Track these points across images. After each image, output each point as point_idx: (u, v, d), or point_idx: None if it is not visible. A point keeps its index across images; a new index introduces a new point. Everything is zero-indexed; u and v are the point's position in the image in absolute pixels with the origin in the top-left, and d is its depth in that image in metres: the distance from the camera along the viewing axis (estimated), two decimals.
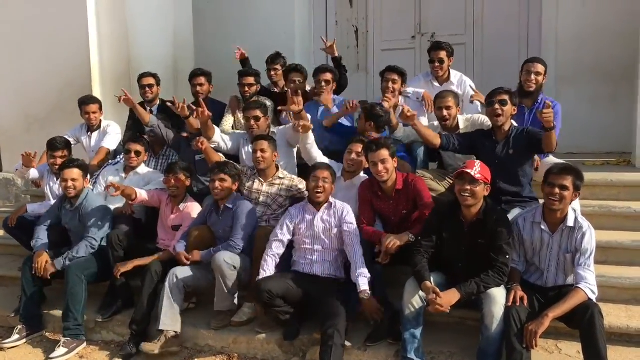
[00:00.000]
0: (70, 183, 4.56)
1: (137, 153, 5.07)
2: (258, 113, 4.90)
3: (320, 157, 4.62)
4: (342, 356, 3.63)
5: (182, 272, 4.17)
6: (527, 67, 4.75)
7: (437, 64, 5.35)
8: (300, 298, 3.96)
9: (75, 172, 4.59)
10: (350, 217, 4.08)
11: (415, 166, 4.75)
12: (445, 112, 4.61)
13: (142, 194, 4.66)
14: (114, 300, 4.53)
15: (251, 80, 5.70)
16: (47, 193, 5.33)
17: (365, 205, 4.24)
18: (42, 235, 4.64)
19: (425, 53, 7.32)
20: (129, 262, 4.38)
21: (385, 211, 4.21)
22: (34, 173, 5.34)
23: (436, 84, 5.42)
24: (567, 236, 3.48)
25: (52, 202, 5.03)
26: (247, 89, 5.69)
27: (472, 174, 3.46)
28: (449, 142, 4.33)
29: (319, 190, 4.05)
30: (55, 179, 5.23)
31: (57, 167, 5.04)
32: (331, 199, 4.15)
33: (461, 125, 4.71)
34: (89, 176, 4.82)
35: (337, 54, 5.73)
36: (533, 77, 4.69)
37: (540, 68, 4.71)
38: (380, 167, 4.03)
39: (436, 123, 4.86)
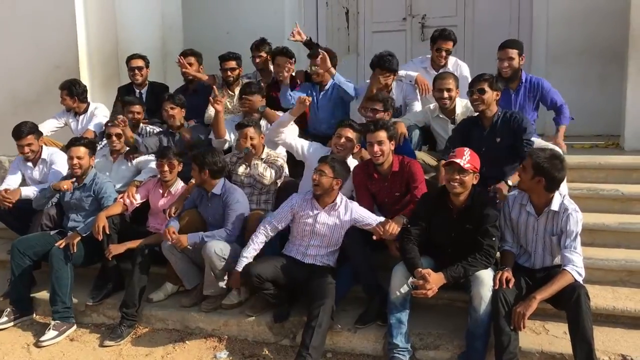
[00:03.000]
0: (75, 161, 4.57)
1: (118, 136, 5.05)
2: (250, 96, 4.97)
3: (299, 144, 4.56)
4: (324, 336, 3.64)
5: None
6: (499, 54, 4.78)
7: (443, 54, 5.31)
8: (290, 282, 3.96)
9: (81, 150, 4.60)
10: (362, 218, 3.96)
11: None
12: (445, 94, 4.60)
13: (138, 198, 4.72)
14: (104, 283, 4.54)
15: (233, 64, 5.66)
16: (27, 181, 5.23)
17: (362, 190, 4.23)
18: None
19: (416, 35, 7.39)
20: (121, 244, 4.39)
21: (379, 193, 4.21)
22: (24, 192, 4.93)
23: (432, 72, 5.34)
24: (552, 219, 3.50)
25: (41, 185, 4.99)
26: (229, 73, 5.64)
27: (461, 164, 3.46)
28: (447, 153, 4.09)
29: (314, 183, 3.90)
30: (30, 164, 5.18)
31: (26, 154, 5.04)
32: (338, 198, 4.00)
33: (458, 110, 4.71)
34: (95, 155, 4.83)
35: (305, 38, 5.54)
36: (506, 63, 4.73)
37: (511, 52, 4.73)
38: (376, 148, 3.99)
39: (432, 106, 4.85)
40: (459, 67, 5.38)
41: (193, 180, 4.50)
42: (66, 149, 4.72)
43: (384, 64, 4.88)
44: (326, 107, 5.28)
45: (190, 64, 5.81)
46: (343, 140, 4.30)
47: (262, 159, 4.61)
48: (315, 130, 5.27)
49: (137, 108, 5.42)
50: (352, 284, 4.06)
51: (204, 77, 5.81)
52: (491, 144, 4.12)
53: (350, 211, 3.98)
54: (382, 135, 4.00)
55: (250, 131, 4.54)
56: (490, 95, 4.13)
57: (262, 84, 5.58)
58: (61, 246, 4.35)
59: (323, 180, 3.88)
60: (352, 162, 4.43)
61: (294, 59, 5.44)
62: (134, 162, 5.11)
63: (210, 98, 4.89)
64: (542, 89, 4.81)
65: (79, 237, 4.37)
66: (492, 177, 4.06)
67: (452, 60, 5.43)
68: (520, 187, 3.57)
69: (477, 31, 7.25)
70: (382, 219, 3.93)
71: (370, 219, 3.95)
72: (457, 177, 3.49)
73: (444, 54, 5.30)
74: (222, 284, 4.15)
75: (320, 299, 3.67)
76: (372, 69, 4.99)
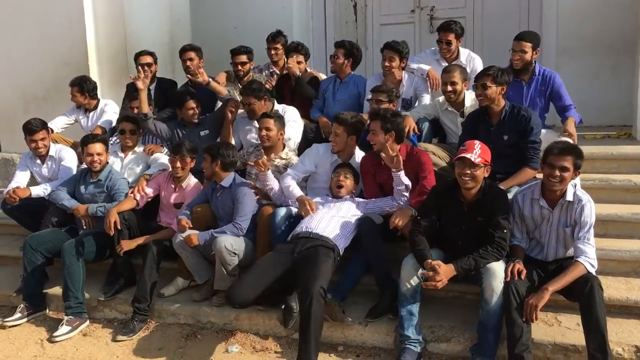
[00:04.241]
0: (96, 157, 4.62)
1: (132, 132, 5.05)
2: (252, 100, 4.91)
3: (310, 168, 4.54)
4: (318, 326, 3.45)
5: None
6: (513, 45, 4.74)
7: (444, 46, 5.27)
8: (283, 279, 3.81)
9: (98, 147, 4.64)
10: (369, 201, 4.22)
11: (420, 141, 4.69)
12: (449, 87, 4.57)
13: (149, 192, 4.72)
14: (116, 279, 4.57)
15: (244, 58, 5.65)
16: (36, 177, 5.26)
17: (368, 179, 4.27)
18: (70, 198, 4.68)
19: (424, 27, 7.36)
20: (132, 240, 4.42)
21: (387, 182, 4.20)
22: (34, 191, 4.94)
23: (444, 63, 5.31)
24: (567, 210, 3.47)
25: (53, 182, 5.01)
26: (240, 67, 5.64)
27: (472, 158, 3.44)
28: None
29: (340, 186, 4.21)
30: (39, 161, 5.21)
31: (39, 150, 5.06)
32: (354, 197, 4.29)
33: (467, 103, 4.67)
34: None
35: (297, 73, 5.48)
36: (517, 55, 4.69)
37: (524, 45, 4.67)
38: (370, 136, 4.11)
39: (441, 99, 4.83)
40: (472, 60, 5.33)
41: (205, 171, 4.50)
42: (81, 146, 4.72)
43: (390, 43, 5.06)
44: (344, 102, 5.26)
45: (191, 59, 5.81)
46: (332, 135, 4.39)
47: (282, 158, 4.64)
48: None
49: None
50: (362, 273, 4.05)
51: (223, 91, 5.37)
52: (498, 141, 4.07)
53: (360, 203, 4.20)
54: (377, 125, 4.07)
55: (270, 122, 4.53)
56: (494, 90, 4.08)
57: (272, 78, 5.60)
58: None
59: (348, 182, 4.25)
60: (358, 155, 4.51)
61: (308, 57, 5.50)
62: (141, 152, 5.12)
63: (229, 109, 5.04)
64: (554, 84, 4.73)
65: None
66: (498, 173, 4.04)
67: (465, 53, 5.38)
68: (557, 186, 3.41)
69: (486, 23, 7.20)
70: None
71: (376, 200, 4.19)
72: (469, 171, 3.46)
73: (444, 45, 5.26)
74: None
75: (308, 290, 3.46)
76: (381, 52, 5.12)
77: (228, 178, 4.38)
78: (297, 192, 4.28)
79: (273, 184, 4.36)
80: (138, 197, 4.62)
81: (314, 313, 3.40)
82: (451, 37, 5.24)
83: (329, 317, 3.72)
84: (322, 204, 4.20)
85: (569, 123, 4.54)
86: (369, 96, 4.80)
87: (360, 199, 4.26)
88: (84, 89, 5.62)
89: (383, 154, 3.99)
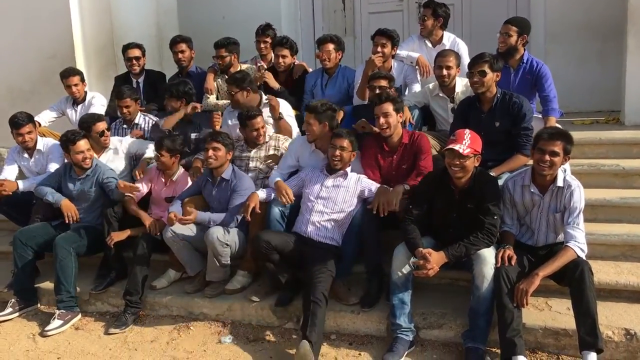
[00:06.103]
0: (87, 154, 4.57)
1: (102, 133, 4.94)
2: (234, 89, 4.84)
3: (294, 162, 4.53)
4: (326, 286, 3.64)
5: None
6: (501, 28, 4.78)
7: (420, 21, 5.39)
8: (296, 256, 3.92)
9: (85, 144, 4.58)
10: (370, 185, 4.07)
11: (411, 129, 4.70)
12: (445, 72, 4.56)
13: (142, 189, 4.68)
14: (107, 272, 4.55)
15: (223, 52, 5.57)
16: (24, 171, 5.22)
17: (370, 160, 4.23)
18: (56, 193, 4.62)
19: (413, 15, 7.35)
20: (122, 231, 4.40)
21: (387, 166, 4.20)
22: (22, 185, 4.91)
23: (429, 45, 5.39)
24: (557, 196, 3.49)
25: (40, 176, 4.97)
26: (220, 60, 5.59)
27: (460, 150, 3.43)
28: None
29: (336, 158, 4.04)
30: (27, 155, 5.17)
31: (26, 143, 5.03)
32: (348, 170, 4.12)
33: (458, 89, 4.68)
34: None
35: (277, 87, 5.45)
36: (503, 37, 4.72)
37: (510, 29, 4.69)
38: (382, 120, 4.03)
39: (431, 85, 4.83)
40: (457, 44, 5.34)
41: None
42: (66, 145, 4.60)
43: (381, 29, 5.07)
44: (333, 96, 5.21)
45: (182, 51, 5.75)
46: (305, 125, 4.40)
47: (266, 141, 4.67)
48: None
49: (127, 102, 5.26)
50: (357, 254, 4.05)
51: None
52: (490, 128, 4.08)
53: (359, 179, 4.09)
54: (389, 107, 4.02)
55: (260, 122, 4.56)
56: (491, 77, 4.08)
57: (262, 70, 5.56)
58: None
59: (345, 155, 4.04)
60: None
61: (294, 50, 5.46)
62: (124, 149, 5.06)
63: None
64: (539, 73, 4.70)
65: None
66: (490, 160, 4.05)
67: (450, 37, 5.40)
68: (547, 171, 3.42)
69: (474, 9, 7.20)
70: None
71: (375, 185, 4.06)
72: (458, 162, 3.47)
73: (420, 21, 5.40)
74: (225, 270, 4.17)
75: (315, 267, 3.70)
76: (372, 40, 5.11)
77: (228, 170, 4.36)
78: (276, 178, 4.30)
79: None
80: (141, 187, 4.61)
81: (321, 287, 3.57)
82: (426, 12, 5.32)
83: (336, 299, 3.86)
84: (320, 188, 4.08)
85: (549, 123, 4.50)
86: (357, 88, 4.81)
87: (361, 176, 4.14)
88: (83, 78, 5.58)
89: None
